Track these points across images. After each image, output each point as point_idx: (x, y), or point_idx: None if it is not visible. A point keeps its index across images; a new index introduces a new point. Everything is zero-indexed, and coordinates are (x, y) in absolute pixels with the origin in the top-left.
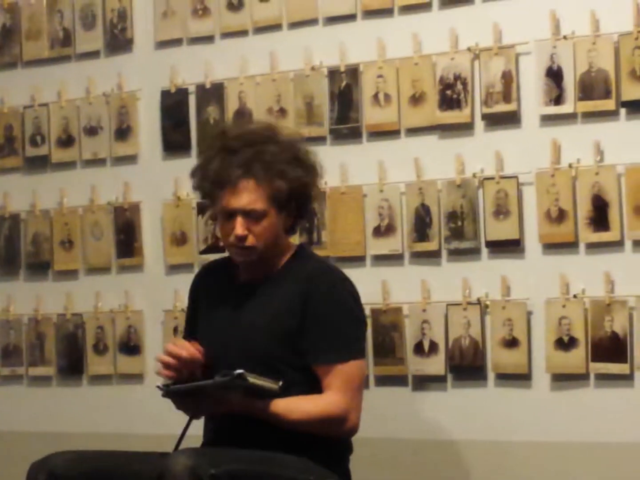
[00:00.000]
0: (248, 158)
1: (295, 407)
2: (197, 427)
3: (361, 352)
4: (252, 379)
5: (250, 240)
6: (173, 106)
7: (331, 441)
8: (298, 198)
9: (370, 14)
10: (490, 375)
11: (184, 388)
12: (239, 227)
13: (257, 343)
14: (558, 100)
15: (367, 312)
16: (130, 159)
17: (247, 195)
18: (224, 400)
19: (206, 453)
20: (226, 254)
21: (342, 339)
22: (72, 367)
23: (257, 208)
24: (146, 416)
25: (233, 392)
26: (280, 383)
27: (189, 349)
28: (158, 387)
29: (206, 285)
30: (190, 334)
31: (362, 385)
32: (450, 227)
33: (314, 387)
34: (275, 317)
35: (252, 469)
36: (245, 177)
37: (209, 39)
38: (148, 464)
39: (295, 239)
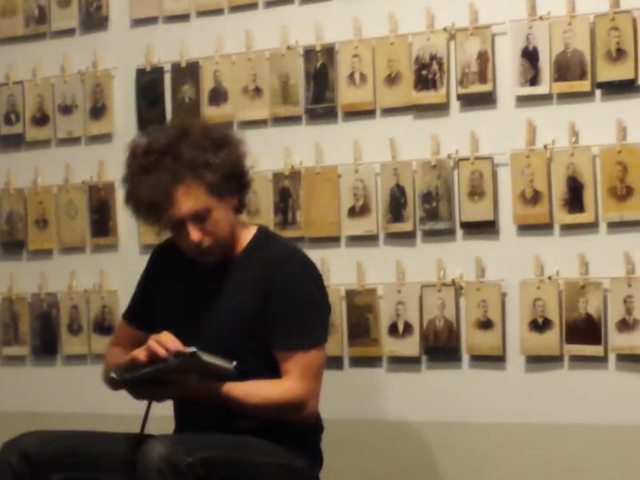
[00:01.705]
0: (169, 168)
1: (254, 391)
2: (163, 407)
3: (322, 339)
4: (206, 358)
5: (207, 242)
6: (148, 85)
7: (298, 424)
8: (233, 177)
9: None
10: (465, 357)
11: (139, 376)
12: (193, 233)
13: (219, 330)
14: (533, 80)
15: (342, 293)
16: (105, 137)
17: (185, 201)
18: (181, 385)
19: (181, 440)
20: None
21: (303, 327)
22: (46, 346)
23: (199, 208)
24: (120, 396)
25: (189, 375)
26: (234, 363)
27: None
28: (112, 378)
29: (165, 265)
30: (135, 313)
31: (322, 371)
32: (425, 208)
33: (274, 373)
34: (238, 304)
35: (227, 455)
36: (174, 186)
37: (184, 17)
38: (121, 444)
39: (269, 218)
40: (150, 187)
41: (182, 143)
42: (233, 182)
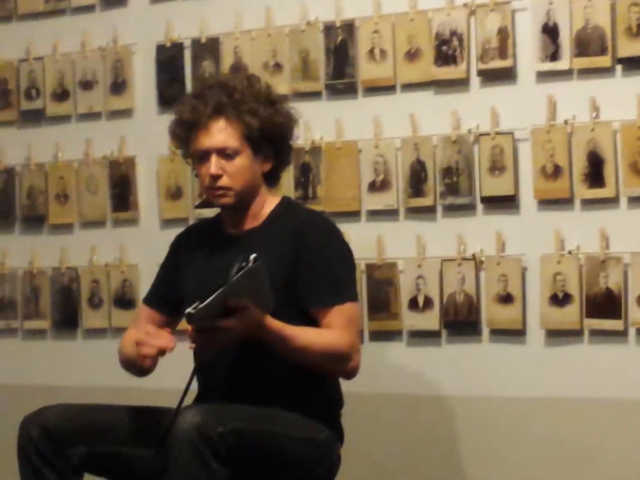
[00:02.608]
0: (218, 99)
1: (308, 334)
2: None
3: (356, 296)
4: (265, 269)
5: (225, 180)
6: (168, 61)
7: (322, 397)
8: (272, 139)
9: None
10: (485, 331)
11: (213, 302)
12: (213, 166)
13: None
14: (554, 56)
15: (362, 267)
16: (126, 113)
17: (219, 134)
18: (245, 311)
19: (212, 411)
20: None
21: (338, 282)
22: (67, 320)
23: (229, 145)
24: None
25: (247, 296)
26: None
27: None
28: (189, 313)
29: (189, 245)
30: (157, 296)
31: (360, 327)
32: (445, 183)
33: None
34: (268, 267)
35: (256, 426)
36: (215, 116)
37: None
38: (142, 417)
39: (289, 193)
40: (195, 109)
41: (242, 86)
42: (271, 144)
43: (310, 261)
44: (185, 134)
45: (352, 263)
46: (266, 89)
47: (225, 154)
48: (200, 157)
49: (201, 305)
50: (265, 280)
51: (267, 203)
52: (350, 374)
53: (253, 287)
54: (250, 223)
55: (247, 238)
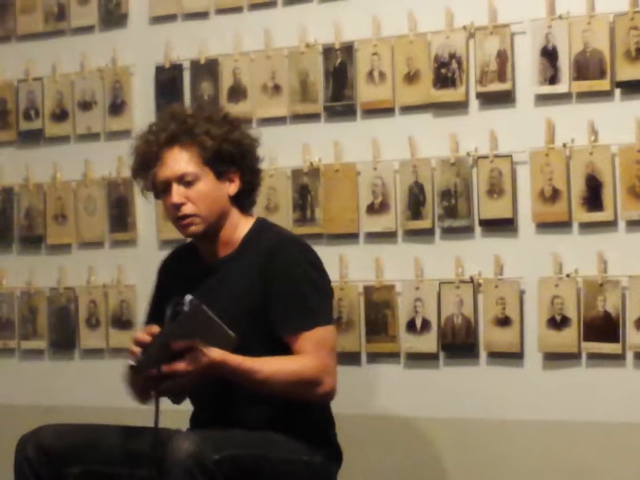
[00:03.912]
0: (171, 130)
1: (271, 364)
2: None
3: (326, 318)
4: (205, 308)
5: (189, 208)
6: (167, 82)
7: (313, 418)
8: (232, 158)
9: None
10: (482, 354)
11: (155, 349)
12: (174, 195)
13: (223, 318)
14: (553, 79)
15: (360, 289)
16: (124, 133)
17: (175, 162)
18: (194, 354)
19: (208, 438)
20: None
21: (306, 308)
22: (64, 341)
23: (187, 171)
24: None
25: (195, 338)
26: (234, 334)
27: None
28: (131, 366)
29: (173, 270)
30: (153, 319)
31: (334, 349)
32: (443, 206)
33: None
34: (240, 295)
35: (251, 452)
36: (169, 146)
37: (203, 14)
38: (139, 438)
39: (287, 215)
40: (148, 142)
41: (194, 114)
42: (232, 164)
43: (279, 288)
44: (143, 169)
45: (323, 286)
46: (221, 112)
47: (185, 181)
48: (163, 191)
49: (142, 356)
50: (210, 319)
51: (240, 227)
52: (325, 398)
53: (197, 329)
54: (224, 251)
55: (221, 267)
